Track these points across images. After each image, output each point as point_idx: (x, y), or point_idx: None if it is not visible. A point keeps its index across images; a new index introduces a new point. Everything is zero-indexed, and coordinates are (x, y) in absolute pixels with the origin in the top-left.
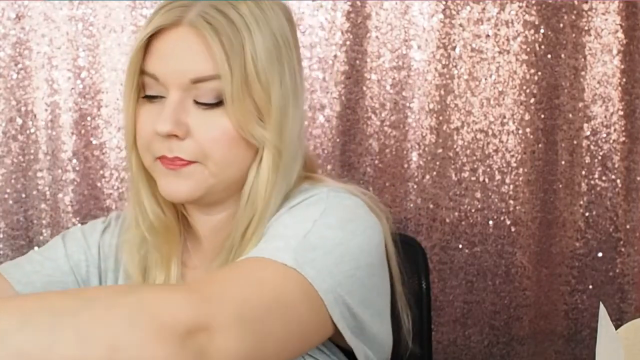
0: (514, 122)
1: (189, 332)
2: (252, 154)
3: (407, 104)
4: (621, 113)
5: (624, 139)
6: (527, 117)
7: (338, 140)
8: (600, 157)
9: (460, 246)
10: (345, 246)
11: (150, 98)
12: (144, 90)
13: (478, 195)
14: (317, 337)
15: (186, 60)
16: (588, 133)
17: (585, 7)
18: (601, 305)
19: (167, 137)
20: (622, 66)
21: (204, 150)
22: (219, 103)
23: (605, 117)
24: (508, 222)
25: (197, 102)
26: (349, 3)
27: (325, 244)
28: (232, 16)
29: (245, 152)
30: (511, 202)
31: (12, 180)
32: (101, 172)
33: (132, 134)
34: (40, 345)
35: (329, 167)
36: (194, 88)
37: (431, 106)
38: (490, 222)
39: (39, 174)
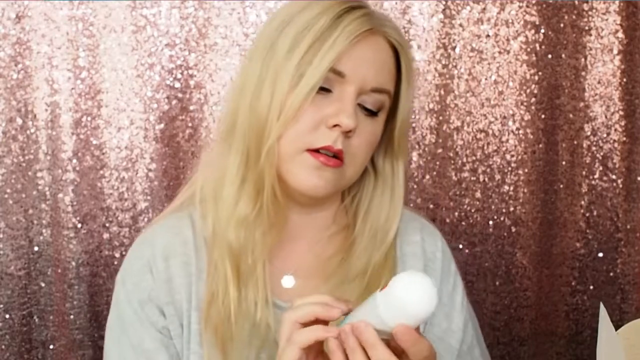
0: (514, 122)
1: None
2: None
3: None
4: (622, 113)
5: (624, 139)
6: (527, 117)
7: None
8: (600, 157)
9: (461, 246)
10: None
11: (321, 90)
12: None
13: (478, 195)
14: None
15: (376, 69)
16: (589, 133)
17: (586, 7)
18: (601, 306)
19: (339, 130)
20: (623, 66)
21: (356, 152)
22: (377, 112)
23: (606, 117)
24: (508, 223)
25: (361, 106)
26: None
27: None
28: (409, 48)
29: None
30: (511, 202)
31: (12, 180)
32: (101, 172)
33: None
34: None
35: None
36: (366, 94)
37: (431, 106)
38: (491, 222)
39: (39, 174)
